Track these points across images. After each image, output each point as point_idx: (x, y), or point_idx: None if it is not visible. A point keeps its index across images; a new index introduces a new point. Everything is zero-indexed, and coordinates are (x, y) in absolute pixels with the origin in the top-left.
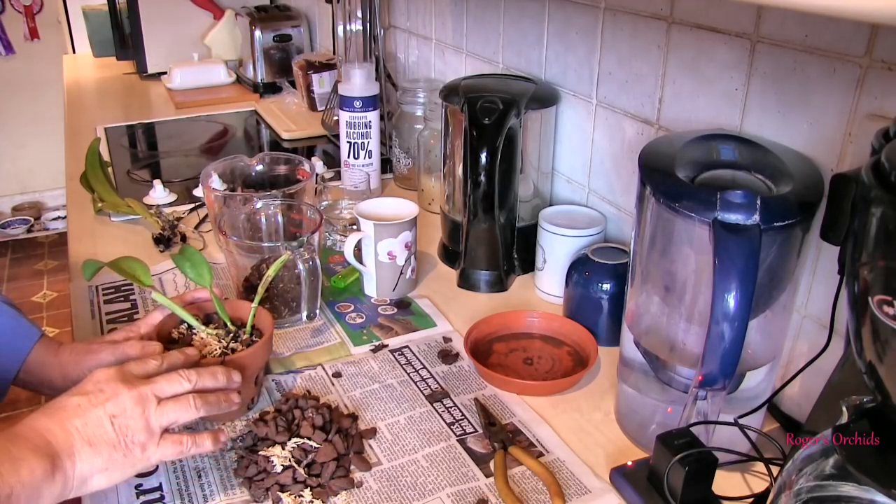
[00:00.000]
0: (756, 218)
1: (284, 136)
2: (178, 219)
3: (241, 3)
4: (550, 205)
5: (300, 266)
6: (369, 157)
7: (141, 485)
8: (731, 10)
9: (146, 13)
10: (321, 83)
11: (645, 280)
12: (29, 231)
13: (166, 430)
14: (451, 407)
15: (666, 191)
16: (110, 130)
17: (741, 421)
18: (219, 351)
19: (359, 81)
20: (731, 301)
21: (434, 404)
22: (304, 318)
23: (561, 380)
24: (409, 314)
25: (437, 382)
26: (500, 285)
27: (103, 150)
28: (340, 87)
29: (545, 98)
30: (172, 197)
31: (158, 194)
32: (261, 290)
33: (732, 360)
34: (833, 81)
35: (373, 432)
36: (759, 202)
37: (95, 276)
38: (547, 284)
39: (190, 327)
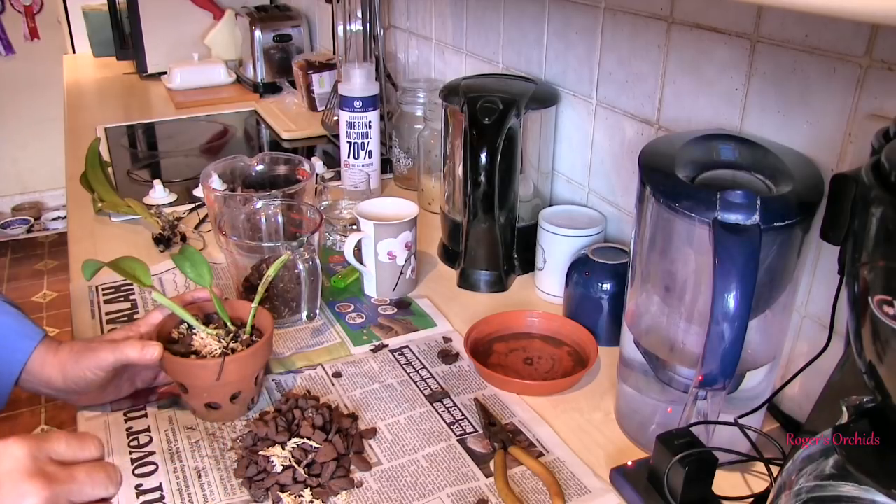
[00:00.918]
0: (756, 218)
1: (284, 136)
2: (178, 219)
3: (241, 3)
4: (550, 205)
5: (300, 266)
6: (369, 157)
7: (141, 485)
8: (731, 10)
9: (146, 13)
10: (321, 83)
11: (645, 280)
12: (29, 231)
13: None
14: (451, 407)
15: (666, 191)
16: (110, 130)
17: (741, 421)
18: (219, 351)
19: (359, 81)
20: (731, 301)
21: (434, 404)
22: (304, 318)
23: (561, 380)
24: (409, 314)
25: (437, 382)
26: (500, 285)
27: (103, 150)
28: (340, 87)
29: (545, 98)
30: (172, 197)
31: (158, 194)
32: (261, 290)
33: (732, 360)
34: (833, 81)
35: (373, 432)
36: (759, 202)
37: (95, 276)
38: (547, 284)
39: (190, 327)
